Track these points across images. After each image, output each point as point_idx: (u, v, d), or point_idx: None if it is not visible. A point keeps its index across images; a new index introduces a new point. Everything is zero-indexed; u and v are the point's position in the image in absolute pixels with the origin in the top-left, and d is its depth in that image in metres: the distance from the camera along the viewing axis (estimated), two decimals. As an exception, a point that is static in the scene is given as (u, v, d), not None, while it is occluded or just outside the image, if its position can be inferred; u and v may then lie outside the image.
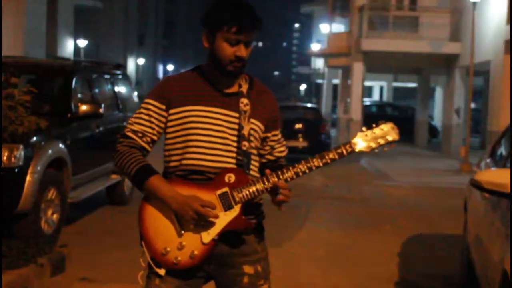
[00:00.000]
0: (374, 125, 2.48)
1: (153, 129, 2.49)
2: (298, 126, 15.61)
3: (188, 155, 2.45)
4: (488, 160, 5.51)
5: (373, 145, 2.46)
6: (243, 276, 2.49)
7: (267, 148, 2.62)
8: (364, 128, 2.47)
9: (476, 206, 4.98)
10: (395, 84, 37.08)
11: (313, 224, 8.19)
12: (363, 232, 7.86)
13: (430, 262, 6.54)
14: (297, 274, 5.82)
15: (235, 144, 2.47)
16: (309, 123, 16.02)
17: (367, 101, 29.88)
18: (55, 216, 6.29)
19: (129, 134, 2.50)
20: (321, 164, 2.44)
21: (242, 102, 2.49)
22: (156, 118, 2.49)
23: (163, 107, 2.48)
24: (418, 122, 24.00)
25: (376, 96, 40.79)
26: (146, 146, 2.50)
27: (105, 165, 7.92)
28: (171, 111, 2.47)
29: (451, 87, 20.01)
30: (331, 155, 2.44)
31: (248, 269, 2.50)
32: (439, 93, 32.38)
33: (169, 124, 2.49)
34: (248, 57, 2.45)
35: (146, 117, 2.49)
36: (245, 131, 2.47)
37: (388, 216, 9.09)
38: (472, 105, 18.86)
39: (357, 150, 2.45)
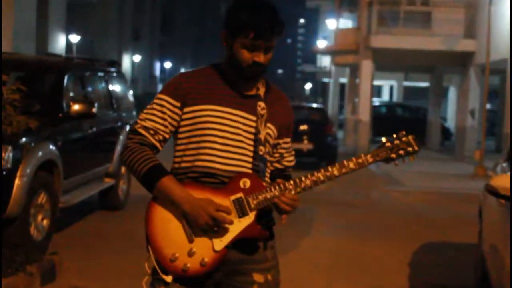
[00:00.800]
0: (394, 136, 2.54)
1: (166, 126, 2.49)
2: (303, 127, 15.61)
3: (201, 157, 2.46)
4: (504, 164, 5.51)
5: (394, 156, 2.52)
6: (253, 284, 2.50)
7: (277, 155, 2.65)
8: (384, 139, 2.54)
9: (492, 213, 4.98)
10: (406, 83, 37.06)
11: (317, 231, 8.20)
12: (370, 239, 7.86)
13: (442, 272, 6.54)
14: (300, 284, 5.82)
15: (251, 148, 2.49)
16: (314, 125, 16.02)
17: (376, 101, 29.89)
18: (45, 221, 6.30)
19: (141, 130, 2.49)
20: (340, 174, 2.48)
21: (259, 106, 2.52)
22: (169, 116, 2.49)
23: (178, 104, 2.49)
24: (430, 124, 24.00)
25: (385, 96, 40.81)
26: (157, 144, 2.50)
27: (99, 168, 7.94)
28: (186, 109, 2.48)
29: (465, 87, 20.01)
30: (351, 165, 2.48)
31: (258, 277, 2.51)
32: (452, 93, 32.38)
33: (183, 123, 2.50)
34: (268, 62, 2.48)
35: (160, 114, 2.49)
36: (262, 136, 2.51)
37: (397, 223, 9.09)
38: (488, 106, 18.89)
39: (378, 160, 2.51)
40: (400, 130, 2.58)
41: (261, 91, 2.56)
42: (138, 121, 2.52)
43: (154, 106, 2.51)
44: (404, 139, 2.52)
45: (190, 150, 2.49)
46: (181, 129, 2.50)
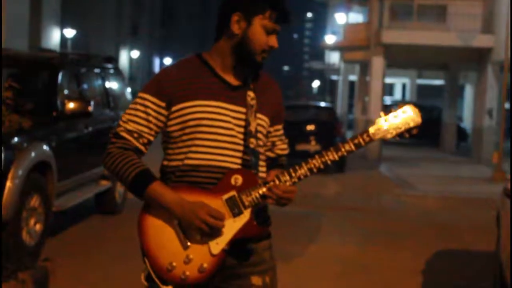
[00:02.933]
0: (392, 110, 2.50)
1: (150, 129, 2.50)
2: (310, 127, 15.61)
3: (192, 155, 2.47)
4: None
5: (393, 132, 2.48)
6: (251, 287, 2.51)
7: (268, 144, 2.65)
8: (382, 114, 2.50)
9: (510, 218, 4.98)
10: (420, 81, 37.05)
11: (326, 238, 8.20)
12: (382, 247, 7.85)
13: (457, 281, 6.54)
14: (308, 293, 5.82)
15: (241, 141, 2.50)
16: (322, 125, 16.02)
17: (388, 100, 29.87)
18: (38, 226, 6.31)
19: (124, 134, 2.49)
20: (336, 157, 2.46)
21: (249, 96, 2.52)
22: (154, 117, 2.49)
23: (163, 104, 2.49)
24: (445, 124, 23.97)
25: (398, 95, 40.80)
26: (142, 148, 2.51)
27: (94, 170, 7.95)
28: (173, 108, 2.48)
29: (482, 85, 19.99)
30: (347, 147, 2.46)
31: (256, 280, 2.52)
32: (469, 92, 32.35)
33: (171, 122, 2.49)
34: None
35: (143, 115, 2.49)
36: (252, 127, 2.50)
37: (410, 230, 9.08)
38: (507, 106, 18.82)
39: (376, 138, 2.48)
40: (413, 131, 2.53)
41: (249, 79, 2.56)
42: (121, 123, 2.51)
43: (138, 106, 2.50)
44: (403, 111, 2.48)
45: (180, 149, 2.49)
46: (170, 128, 2.50)
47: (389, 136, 2.48)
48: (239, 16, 2.47)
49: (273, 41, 2.48)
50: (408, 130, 2.48)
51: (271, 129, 2.63)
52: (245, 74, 2.52)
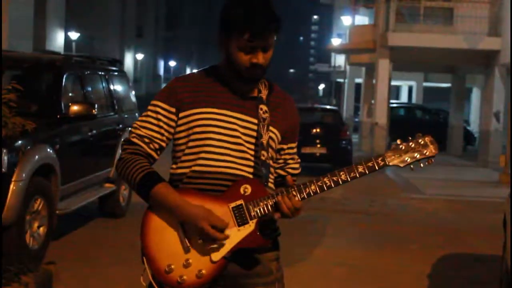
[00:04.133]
0: (410, 138, 2.50)
1: (162, 134, 2.52)
2: (316, 130, 15.60)
3: (199, 161, 2.47)
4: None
5: (409, 159, 2.47)
6: None
7: (281, 161, 2.64)
8: (398, 141, 2.49)
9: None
10: (426, 84, 37.00)
11: (332, 241, 8.18)
12: (388, 250, 7.84)
13: (464, 286, 6.51)
14: (313, 297, 5.81)
15: (252, 152, 2.50)
16: (328, 127, 16.02)
17: (394, 103, 29.83)
18: (41, 229, 6.32)
19: (135, 140, 2.52)
20: (348, 179, 2.45)
21: (261, 109, 2.52)
22: (165, 122, 2.51)
23: (173, 110, 2.51)
24: (452, 127, 23.93)
25: (404, 98, 40.75)
26: (153, 153, 2.53)
27: (98, 173, 7.96)
28: (182, 114, 2.50)
29: (489, 88, 19.95)
30: (360, 169, 2.45)
31: None
32: (476, 95, 32.29)
33: (179, 128, 2.51)
34: (268, 61, 2.46)
35: (154, 121, 2.52)
36: (264, 140, 2.50)
37: (416, 233, 9.07)
38: (514, 109, 18.78)
39: (390, 164, 2.47)
40: (428, 161, 2.51)
41: (263, 94, 2.56)
42: (132, 129, 2.55)
43: (149, 113, 2.54)
44: (420, 141, 2.48)
45: (187, 156, 2.50)
46: (178, 135, 2.52)
47: (404, 163, 2.47)
48: (221, 34, 2.47)
49: (256, 58, 2.42)
50: (423, 160, 2.47)
51: (285, 147, 2.62)
52: (243, 87, 2.51)
